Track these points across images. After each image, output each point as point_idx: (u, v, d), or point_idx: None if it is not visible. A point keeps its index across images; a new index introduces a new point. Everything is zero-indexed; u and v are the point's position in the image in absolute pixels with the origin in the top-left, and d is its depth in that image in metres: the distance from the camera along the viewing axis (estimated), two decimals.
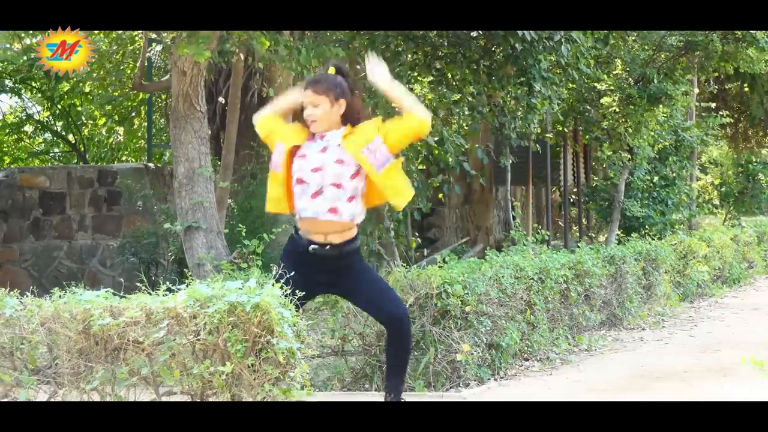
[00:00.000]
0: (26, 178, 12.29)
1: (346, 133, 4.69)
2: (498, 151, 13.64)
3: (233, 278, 5.45)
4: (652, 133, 14.37)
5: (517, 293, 6.87)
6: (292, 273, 4.40)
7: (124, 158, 18.49)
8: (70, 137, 17.59)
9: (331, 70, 4.78)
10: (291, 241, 4.78)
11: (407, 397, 4.95)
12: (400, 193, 4.75)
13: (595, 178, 17.39)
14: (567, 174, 15.95)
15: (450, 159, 10.81)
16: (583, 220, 18.42)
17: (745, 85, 21.35)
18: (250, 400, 3.89)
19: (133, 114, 18.13)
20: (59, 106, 17.31)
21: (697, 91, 17.51)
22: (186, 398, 4.05)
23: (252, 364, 3.88)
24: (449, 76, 10.71)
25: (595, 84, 13.58)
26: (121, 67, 16.60)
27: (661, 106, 13.66)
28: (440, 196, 12.78)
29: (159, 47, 14.17)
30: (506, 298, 6.65)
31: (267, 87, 10.95)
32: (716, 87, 21.52)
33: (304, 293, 4.29)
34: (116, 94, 17.34)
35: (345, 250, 4.68)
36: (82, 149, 17.34)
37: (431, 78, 10.91)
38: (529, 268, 7.13)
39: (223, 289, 3.96)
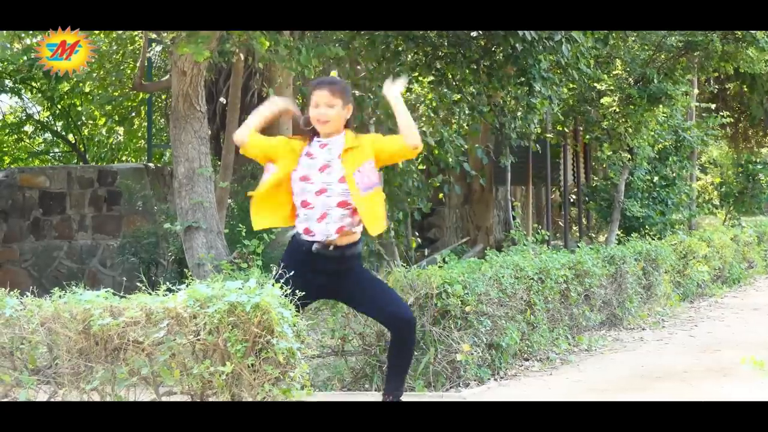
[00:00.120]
0: (26, 178, 12.30)
1: (347, 147, 4.68)
2: (498, 151, 13.65)
3: (233, 278, 5.45)
4: (652, 133, 14.38)
5: (517, 293, 6.86)
6: (292, 273, 4.40)
7: (124, 158, 18.49)
8: (70, 137, 17.59)
9: (333, 74, 4.80)
10: (293, 242, 4.77)
11: (407, 397, 4.94)
12: (376, 220, 4.71)
13: (595, 178, 17.40)
14: (567, 174, 15.95)
15: (450, 159, 10.81)
16: (583, 220, 18.42)
17: (745, 85, 21.34)
18: (250, 400, 3.89)
19: (133, 114, 18.13)
20: (59, 106, 17.31)
21: (697, 91, 17.52)
22: (186, 398, 4.05)
23: (252, 364, 3.88)
24: (449, 76, 10.71)
25: (595, 84, 13.59)
26: (121, 67, 16.60)
27: (661, 106, 13.66)
28: (440, 196, 12.79)
29: (159, 47, 14.18)
30: (506, 298, 6.65)
31: (267, 87, 10.96)
32: (716, 87, 21.53)
33: (304, 294, 4.27)
34: (116, 94, 17.33)
35: (347, 253, 4.68)
36: (82, 149, 17.34)
37: (431, 78, 10.91)
38: (529, 268, 7.13)
39: (223, 289, 3.96)
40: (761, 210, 20.86)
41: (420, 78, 11.46)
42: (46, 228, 12.12)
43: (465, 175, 12.76)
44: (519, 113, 10.76)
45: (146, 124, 15.68)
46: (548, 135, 14.25)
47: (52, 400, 4.13)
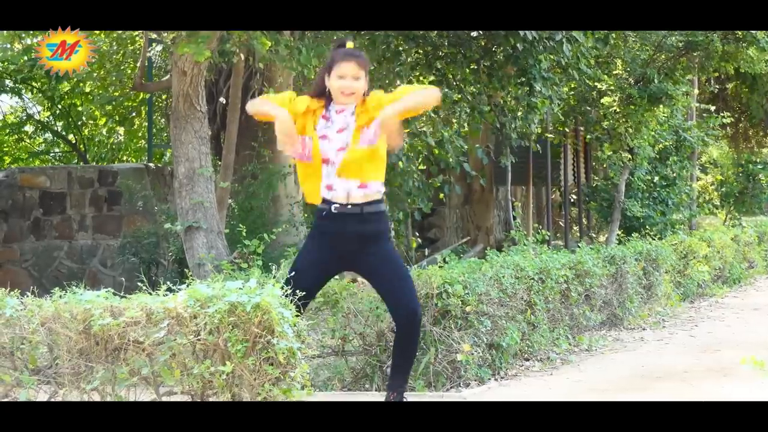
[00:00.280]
0: (26, 178, 12.30)
1: (359, 111, 4.76)
2: (498, 151, 13.66)
3: (234, 278, 5.45)
4: (653, 133, 14.38)
5: (518, 293, 6.86)
6: (314, 250, 4.69)
7: (124, 158, 18.47)
8: (71, 137, 17.59)
9: (350, 44, 4.85)
10: (316, 212, 4.84)
11: (408, 397, 4.95)
12: (358, 172, 4.72)
13: (596, 178, 17.40)
14: (567, 174, 15.96)
15: (450, 159, 10.82)
16: (584, 220, 18.42)
17: (746, 85, 21.34)
18: (251, 400, 3.89)
19: (134, 114, 18.12)
20: (59, 106, 17.30)
21: (697, 91, 17.51)
22: (186, 398, 4.05)
23: (252, 364, 3.88)
24: (450, 76, 10.72)
25: (596, 84, 13.59)
26: (122, 67, 16.60)
27: (661, 106, 13.66)
28: (441, 196, 12.79)
29: (159, 47, 14.17)
30: (507, 298, 6.65)
31: (267, 87, 10.96)
32: (716, 87, 21.52)
33: (323, 266, 4.62)
34: (116, 94, 17.33)
35: (366, 211, 4.71)
36: (83, 149, 17.33)
37: (432, 78, 10.91)
38: (529, 268, 7.13)
39: (224, 289, 3.97)
40: (762, 210, 20.85)
41: (420, 78, 11.46)
42: (46, 228, 12.12)
43: (465, 175, 12.76)
44: (519, 113, 10.76)
45: (146, 124, 15.67)
46: (549, 135, 14.26)
47: (53, 400, 4.13)
